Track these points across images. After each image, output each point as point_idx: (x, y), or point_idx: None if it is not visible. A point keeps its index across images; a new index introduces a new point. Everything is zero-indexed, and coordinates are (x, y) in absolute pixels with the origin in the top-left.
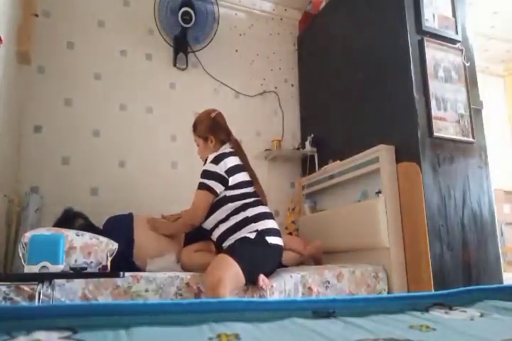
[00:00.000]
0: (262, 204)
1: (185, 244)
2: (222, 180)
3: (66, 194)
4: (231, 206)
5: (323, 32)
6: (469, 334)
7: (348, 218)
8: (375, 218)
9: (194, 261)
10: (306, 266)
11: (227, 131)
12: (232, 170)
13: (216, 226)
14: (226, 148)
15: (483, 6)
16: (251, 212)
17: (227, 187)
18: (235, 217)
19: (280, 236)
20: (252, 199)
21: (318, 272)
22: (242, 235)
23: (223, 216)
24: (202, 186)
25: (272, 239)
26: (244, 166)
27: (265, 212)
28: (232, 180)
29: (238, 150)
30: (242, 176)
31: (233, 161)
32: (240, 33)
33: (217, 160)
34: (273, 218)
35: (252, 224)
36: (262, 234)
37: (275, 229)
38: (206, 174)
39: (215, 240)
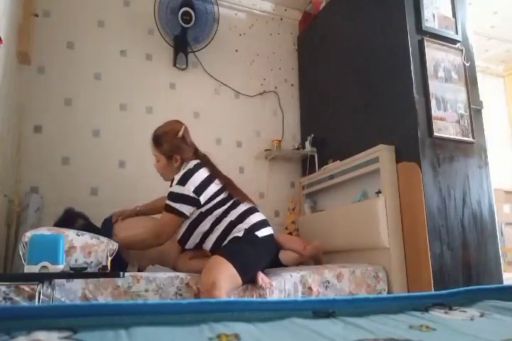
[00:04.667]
0: (242, 202)
1: (182, 250)
2: (192, 202)
3: (66, 194)
4: (210, 218)
5: (323, 32)
6: (469, 334)
7: (348, 218)
8: (375, 218)
9: (191, 268)
10: (306, 266)
11: (194, 148)
12: (202, 186)
13: (202, 240)
14: (190, 162)
15: (483, 6)
16: (233, 215)
17: (200, 206)
18: (219, 225)
19: (269, 225)
20: (230, 203)
21: (318, 272)
22: (232, 236)
23: (205, 229)
24: (168, 209)
25: (261, 232)
26: (213, 175)
27: (246, 209)
28: (205, 197)
29: (205, 161)
30: (214, 187)
31: (201, 175)
32: (240, 33)
33: (183, 181)
34: (257, 211)
35: (239, 226)
36: (251, 230)
37: (261, 220)
38: (172, 196)
39: (208, 250)
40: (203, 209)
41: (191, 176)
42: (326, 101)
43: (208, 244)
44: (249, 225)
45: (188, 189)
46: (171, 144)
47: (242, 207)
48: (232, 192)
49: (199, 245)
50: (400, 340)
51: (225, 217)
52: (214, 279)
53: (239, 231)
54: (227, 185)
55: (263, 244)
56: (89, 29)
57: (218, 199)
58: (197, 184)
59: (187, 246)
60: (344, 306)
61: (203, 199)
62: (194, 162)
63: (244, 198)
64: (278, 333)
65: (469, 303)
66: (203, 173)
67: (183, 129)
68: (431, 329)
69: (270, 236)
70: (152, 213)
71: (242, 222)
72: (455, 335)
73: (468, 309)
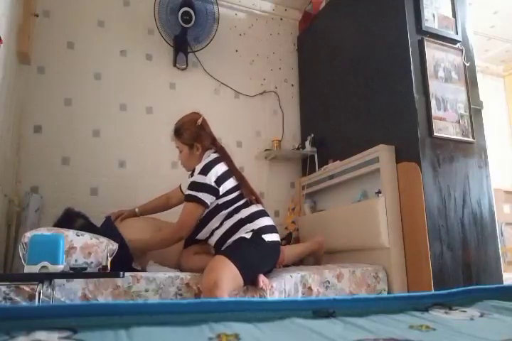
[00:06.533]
0: (254, 203)
1: (185, 246)
2: (213, 191)
3: (66, 194)
4: (224, 213)
5: (323, 32)
6: (469, 334)
7: (348, 218)
8: (375, 218)
9: (194, 265)
10: (306, 266)
11: (213, 138)
12: (222, 178)
13: (211, 233)
14: (210, 155)
15: (483, 6)
16: (244, 213)
17: (219, 197)
18: (229, 221)
19: (277, 232)
20: (243, 201)
21: (318, 272)
22: (238, 236)
23: (218, 223)
24: (191, 198)
25: (268, 237)
26: (230, 170)
27: (258, 211)
28: (223, 189)
29: (223, 155)
30: (231, 182)
31: (221, 168)
32: (240, 33)
33: (205, 171)
34: (267, 215)
35: (248, 225)
36: (259, 233)
37: (271, 225)
38: (195, 186)
39: (213, 245)
40: (220, 201)
41: (213, 166)
42: (326, 101)
43: (214, 238)
44: (257, 227)
45: (210, 178)
46: (191, 132)
47: (254, 208)
48: (245, 192)
49: (210, 235)
50: (400, 340)
51: (236, 213)
52: (216, 279)
53: (246, 232)
54: (242, 183)
55: (268, 249)
56: (89, 29)
57: (234, 195)
58: (218, 174)
59: (200, 236)
60: (344, 306)
61: (221, 190)
62: (214, 155)
63: (257, 199)
64: (278, 333)
65: (469, 303)
66: (222, 167)
67: (201, 118)
68: (431, 329)
69: (276, 242)
70: (150, 213)
71: (251, 222)
72: (455, 335)
73: (468, 309)
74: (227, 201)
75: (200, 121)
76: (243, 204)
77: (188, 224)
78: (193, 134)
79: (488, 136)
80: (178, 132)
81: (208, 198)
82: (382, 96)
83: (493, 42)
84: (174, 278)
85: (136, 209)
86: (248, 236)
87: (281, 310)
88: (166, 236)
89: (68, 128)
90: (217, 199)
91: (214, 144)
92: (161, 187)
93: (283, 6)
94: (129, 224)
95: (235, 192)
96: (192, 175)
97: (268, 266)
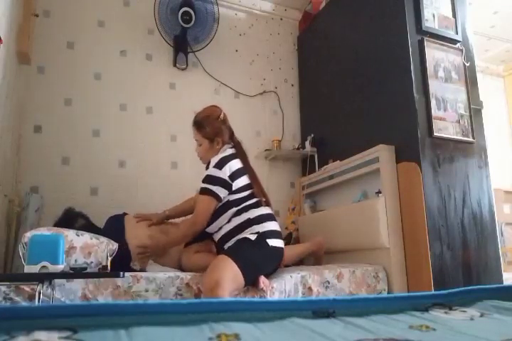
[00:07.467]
0: (264, 205)
1: (185, 245)
2: (227, 185)
3: (66, 194)
4: (234, 210)
5: (323, 32)
6: (469, 334)
7: (348, 218)
8: (375, 218)
9: (194, 263)
10: (306, 266)
11: (231, 132)
12: (236, 175)
13: (220, 228)
14: (226, 150)
15: (483, 6)
16: (253, 213)
17: (231, 192)
18: (236, 218)
19: (281, 238)
20: (254, 201)
21: (318, 272)
22: (243, 236)
23: (227, 220)
24: (205, 191)
25: (272, 242)
26: (245, 168)
27: (267, 214)
28: (236, 185)
29: (239, 152)
30: (244, 180)
31: (236, 165)
32: (240, 33)
33: (220, 165)
34: (275, 219)
35: (254, 226)
36: (263, 236)
37: (277, 231)
38: (210, 179)
39: (216, 241)
40: (231, 198)
41: (228, 161)
42: (326, 101)
43: (220, 233)
44: (264, 229)
45: (225, 173)
46: (214, 127)
47: (264, 210)
48: (257, 191)
49: (217, 230)
50: (400, 340)
51: (245, 212)
52: (218, 278)
53: (251, 233)
54: (254, 183)
55: (270, 253)
56: (89, 29)
57: (245, 193)
58: (233, 170)
59: (209, 230)
60: (344, 306)
61: (234, 186)
62: (230, 150)
63: (267, 202)
64: (278, 333)
65: (469, 303)
66: (237, 163)
67: (223, 113)
68: (431, 329)
69: (280, 248)
70: (180, 216)
71: (258, 224)
72: (455, 335)
73: (468, 309)
74: (238, 198)
75: (222, 116)
76: (253, 204)
77: (202, 217)
78: (216, 129)
79: (488, 136)
80: (201, 126)
81: (221, 192)
82: (382, 96)
83: (493, 42)
84: (174, 278)
85: (167, 212)
86: (252, 237)
87: (281, 310)
88: (185, 232)
89: (68, 128)
90: (228, 194)
91: (232, 139)
92: (161, 187)
93: (283, 6)
94: (135, 226)
95: (246, 190)
96: (207, 167)
97: (268, 270)
